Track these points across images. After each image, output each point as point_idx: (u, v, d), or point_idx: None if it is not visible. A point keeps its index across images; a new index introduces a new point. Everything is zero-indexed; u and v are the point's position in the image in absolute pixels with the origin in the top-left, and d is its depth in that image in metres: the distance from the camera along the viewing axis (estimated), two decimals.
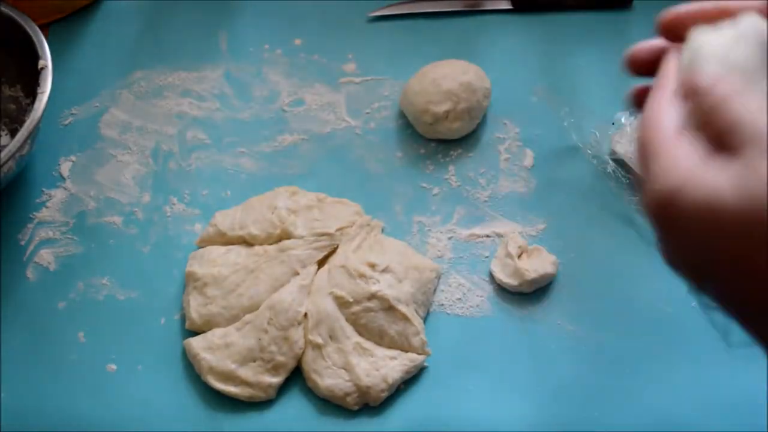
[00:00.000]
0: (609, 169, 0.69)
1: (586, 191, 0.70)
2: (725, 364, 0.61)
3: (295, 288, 0.61)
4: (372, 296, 0.60)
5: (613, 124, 0.70)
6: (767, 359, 0.61)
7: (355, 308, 0.60)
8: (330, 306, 0.61)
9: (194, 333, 0.63)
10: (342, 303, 0.61)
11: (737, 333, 0.63)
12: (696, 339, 0.62)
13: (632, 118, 0.70)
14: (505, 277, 0.64)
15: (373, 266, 0.62)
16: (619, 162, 0.69)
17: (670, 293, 0.64)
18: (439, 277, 0.65)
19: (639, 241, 0.67)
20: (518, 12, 0.81)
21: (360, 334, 0.61)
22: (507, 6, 0.81)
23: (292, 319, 0.60)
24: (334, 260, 0.63)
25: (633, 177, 0.69)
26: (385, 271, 0.62)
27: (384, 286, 0.61)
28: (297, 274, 0.62)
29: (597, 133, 0.70)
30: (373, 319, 0.60)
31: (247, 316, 0.61)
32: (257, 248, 0.64)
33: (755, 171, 0.29)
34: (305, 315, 0.61)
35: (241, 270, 0.63)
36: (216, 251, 0.64)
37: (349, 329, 0.61)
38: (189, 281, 0.64)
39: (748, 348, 0.62)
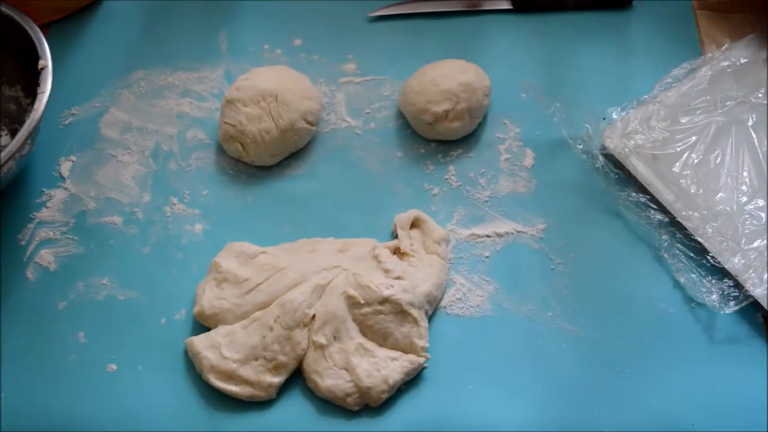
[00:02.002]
0: (598, 164, 0.69)
1: (587, 191, 0.70)
2: (725, 363, 0.61)
3: (309, 288, 0.61)
4: (384, 300, 0.60)
5: (604, 119, 0.70)
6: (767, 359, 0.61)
7: (366, 310, 0.60)
8: (340, 306, 0.61)
9: (197, 323, 0.63)
10: (353, 303, 0.61)
11: (720, 329, 0.63)
12: (696, 339, 0.62)
13: (623, 112, 0.70)
14: None
15: (388, 271, 0.62)
16: (609, 157, 0.69)
17: (670, 293, 0.64)
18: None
19: (639, 242, 0.67)
20: (518, 12, 0.81)
21: (364, 334, 0.61)
22: (507, 6, 0.81)
23: (299, 320, 0.60)
24: (361, 248, 0.64)
25: (622, 172, 0.69)
26: (400, 278, 0.62)
27: (398, 290, 0.61)
28: (324, 270, 0.62)
29: (589, 127, 0.70)
30: (381, 321, 0.60)
31: (257, 314, 0.61)
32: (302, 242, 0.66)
33: None
34: (313, 317, 0.61)
35: (269, 269, 0.63)
36: (254, 249, 0.65)
37: (354, 330, 0.61)
38: (212, 270, 0.64)
39: (731, 345, 0.63)
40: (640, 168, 0.68)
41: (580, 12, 0.81)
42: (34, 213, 0.70)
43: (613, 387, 0.60)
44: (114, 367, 0.62)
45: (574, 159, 0.71)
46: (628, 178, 0.69)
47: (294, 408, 0.60)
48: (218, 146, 0.73)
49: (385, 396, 0.59)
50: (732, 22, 0.79)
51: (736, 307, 0.62)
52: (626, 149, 0.68)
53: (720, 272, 0.63)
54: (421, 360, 0.60)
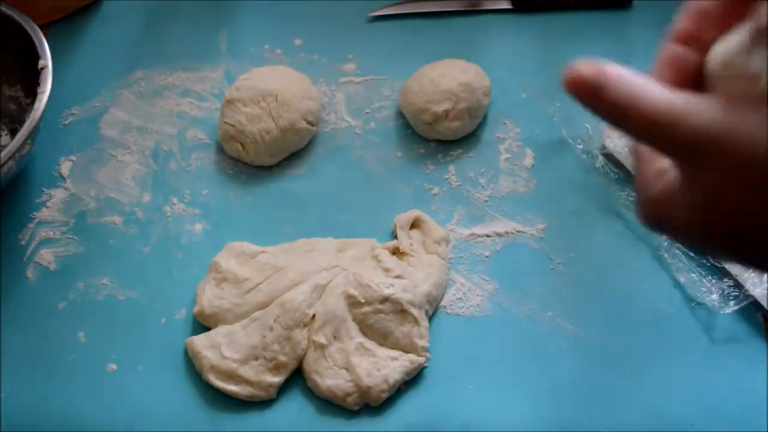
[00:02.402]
0: (598, 164, 0.69)
1: (587, 191, 0.70)
2: (725, 363, 0.61)
3: (309, 288, 0.61)
4: (385, 299, 0.60)
5: None
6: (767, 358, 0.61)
7: (366, 309, 0.60)
8: (340, 306, 0.61)
9: (197, 323, 0.63)
10: (353, 303, 0.61)
11: (720, 329, 0.63)
12: (696, 338, 0.62)
13: None
14: None
15: (387, 270, 0.62)
16: (609, 157, 0.69)
17: (670, 293, 0.64)
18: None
19: (639, 241, 0.67)
20: (518, 12, 0.81)
21: (364, 333, 0.61)
22: (507, 6, 0.81)
23: (299, 320, 0.60)
24: (361, 248, 0.64)
25: (622, 172, 0.69)
26: (400, 277, 0.62)
27: (398, 289, 0.61)
28: (323, 270, 0.62)
29: (589, 127, 0.70)
30: (381, 320, 0.60)
31: (257, 313, 0.61)
32: (301, 242, 0.66)
33: None
34: (313, 317, 0.61)
35: (269, 269, 0.63)
36: (254, 249, 0.65)
37: (354, 329, 0.61)
38: (212, 270, 0.64)
39: (731, 344, 0.62)
40: None
41: (580, 12, 0.81)
42: (34, 213, 0.70)
43: (613, 387, 0.60)
44: (114, 366, 0.62)
45: (574, 159, 0.71)
46: (627, 178, 0.69)
47: (294, 408, 0.60)
48: (218, 146, 0.73)
49: (385, 395, 0.59)
50: None
51: (736, 307, 0.62)
52: (626, 149, 0.68)
53: (720, 272, 0.63)
54: (422, 360, 0.60)
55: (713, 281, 0.63)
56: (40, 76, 0.67)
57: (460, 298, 0.65)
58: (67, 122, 0.75)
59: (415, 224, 0.67)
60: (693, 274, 0.64)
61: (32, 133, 0.64)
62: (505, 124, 0.74)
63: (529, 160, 0.71)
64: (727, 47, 0.30)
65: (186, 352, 0.62)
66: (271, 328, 0.60)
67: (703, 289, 0.63)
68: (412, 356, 0.60)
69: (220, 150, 0.73)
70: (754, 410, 0.59)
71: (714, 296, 0.62)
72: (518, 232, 0.68)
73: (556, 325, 0.63)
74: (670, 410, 0.59)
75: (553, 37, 0.79)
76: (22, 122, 0.64)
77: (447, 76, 0.70)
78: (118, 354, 0.63)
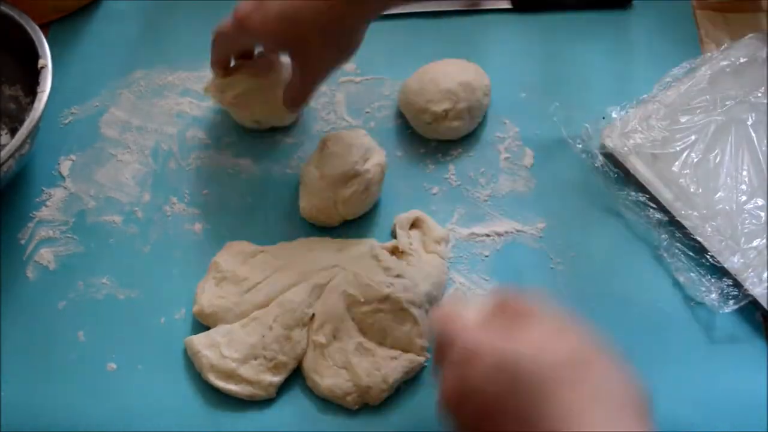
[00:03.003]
0: (598, 164, 0.69)
1: (586, 190, 0.70)
2: (725, 362, 0.61)
3: (308, 287, 0.61)
4: (384, 299, 0.60)
5: (603, 118, 0.70)
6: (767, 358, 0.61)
7: (365, 308, 0.60)
8: (339, 305, 0.61)
9: (196, 323, 0.63)
10: (353, 302, 0.61)
11: (720, 329, 0.63)
12: (695, 338, 0.62)
13: (623, 112, 0.70)
14: None
15: (387, 270, 0.62)
16: (609, 156, 0.69)
17: (670, 292, 0.64)
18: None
19: (639, 241, 0.67)
20: (518, 11, 0.81)
21: (363, 333, 0.61)
22: (507, 5, 0.81)
23: (298, 320, 0.60)
24: (360, 248, 0.64)
25: (621, 172, 0.69)
26: (400, 276, 0.62)
27: (398, 288, 0.61)
28: (323, 269, 0.62)
29: (588, 127, 0.70)
30: (381, 320, 0.60)
31: (256, 313, 0.61)
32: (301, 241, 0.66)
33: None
34: (312, 316, 0.61)
35: (268, 269, 0.63)
36: (254, 249, 0.65)
37: (353, 329, 0.61)
38: (211, 269, 0.64)
39: (731, 344, 0.62)
40: (639, 167, 0.68)
41: (580, 11, 0.81)
42: (34, 212, 0.70)
43: None
44: (114, 366, 0.62)
45: (573, 158, 0.71)
46: (627, 177, 0.69)
47: (293, 407, 0.60)
48: (218, 145, 0.73)
49: (384, 395, 0.59)
50: (732, 22, 0.79)
51: (736, 306, 0.62)
52: (626, 148, 0.68)
53: (719, 271, 0.63)
54: (421, 359, 0.60)
55: (713, 281, 0.63)
56: (40, 75, 0.67)
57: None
58: (67, 122, 0.75)
59: (415, 224, 0.67)
60: (692, 274, 0.64)
61: (32, 132, 0.64)
62: (504, 123, 0.74)
63: (528, 160, 0.71)
64: None
65: (186, 351, 0.62)
66: (271, 328, 0.60)
67: (703, 289, 0.63)
68: (411, 356, 0.60)
69: (220, 149, 0.73)
70: (754, 410, 0.59)
71: (713, 295, 0.62)
72: (518, 231, 0.68)
73: None
74: (669, 410, 0.59)
75: (553, 37, 0.79)
76: (21, 121, 0.65)
77: (447, 76, 0.70)
78: (118, 353, 0.63)
